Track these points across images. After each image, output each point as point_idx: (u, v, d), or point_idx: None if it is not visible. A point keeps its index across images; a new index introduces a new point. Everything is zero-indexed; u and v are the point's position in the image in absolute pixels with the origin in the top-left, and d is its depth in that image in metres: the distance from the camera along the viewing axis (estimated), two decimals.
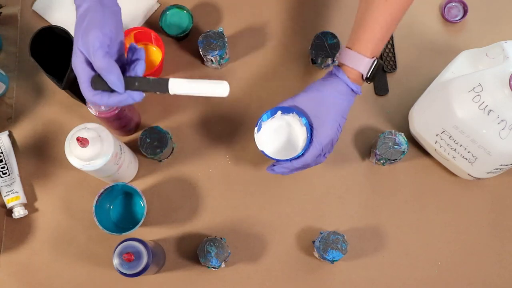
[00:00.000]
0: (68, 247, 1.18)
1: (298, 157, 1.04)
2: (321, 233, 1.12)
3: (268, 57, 1.24)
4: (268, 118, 1.07)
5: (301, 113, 1.04)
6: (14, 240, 1.18)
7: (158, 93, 0.92)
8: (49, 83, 1.24)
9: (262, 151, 1.06)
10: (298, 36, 1.25)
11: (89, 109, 1.06)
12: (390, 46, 1.23)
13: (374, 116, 1.21)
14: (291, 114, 1.06)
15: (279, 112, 1.06)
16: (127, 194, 1.17)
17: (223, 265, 1.13)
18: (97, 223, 1.07)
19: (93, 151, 1.01)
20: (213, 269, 1.14)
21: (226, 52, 1.20)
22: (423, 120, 1.12)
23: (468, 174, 1.13)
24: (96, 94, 0.92)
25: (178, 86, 0.91)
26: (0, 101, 1.23)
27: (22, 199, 1.18)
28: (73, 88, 1.13)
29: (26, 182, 1.20)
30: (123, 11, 0.96)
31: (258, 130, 1.07)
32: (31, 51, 1.10)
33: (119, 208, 1.16)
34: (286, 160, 1.05)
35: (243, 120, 1.22)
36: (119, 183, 1.09)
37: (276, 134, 1.07)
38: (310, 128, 1.04)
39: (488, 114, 1.00)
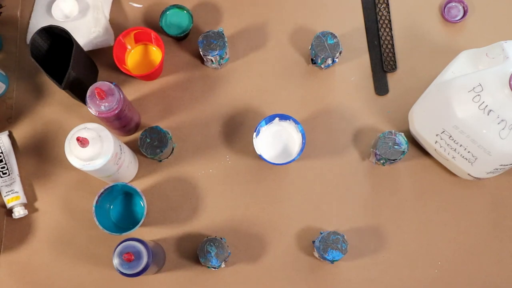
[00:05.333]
0: (68, 247, 1.18)
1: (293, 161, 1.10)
2: (321, 233, 1.12)
3: (268, 57, 1.24)
4: (266, 124, 1.15)
5: (297, 120, 1.13)
6: (14, 240, 1.18)
7: None
8: (49, 83, 1.24)
9: (260, 155, 1.12)
10: (298, 36, 1.25)
11: (89, 109, 1.06)
12: (390, 46, 1.23)
13: (374, 116, 1.21)
14: (287, 121, 1.14)
15: (276, 119, 1.14)
16: (127, 194, 1.17)
17: (223, 265, 1.13)
18: (97, 223, 1.07)
19: (93, 151, 1.01)
20: (213, 269, 1.14)
21: (226, 52, 1.20)
22: (423, 120, 1.12)
23: (468, 174, 1.13)
24: None
25: None
26: (0, 101, 1.23)
27: (22, 199, 1.18)
28: (73, 88, 1.13)
29: (26, 182, 1.20)
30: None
31: (257, 135, 1.14)
32: (31, 51, 1.10)
33: (119, 208, 1.16)
34: (282, 164, 1.11)
35: (243, 120, 1.22)
36: (119, 183, 1.08)
37: (274, 139, 1.15)
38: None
39: (488, 114, 1.00)
